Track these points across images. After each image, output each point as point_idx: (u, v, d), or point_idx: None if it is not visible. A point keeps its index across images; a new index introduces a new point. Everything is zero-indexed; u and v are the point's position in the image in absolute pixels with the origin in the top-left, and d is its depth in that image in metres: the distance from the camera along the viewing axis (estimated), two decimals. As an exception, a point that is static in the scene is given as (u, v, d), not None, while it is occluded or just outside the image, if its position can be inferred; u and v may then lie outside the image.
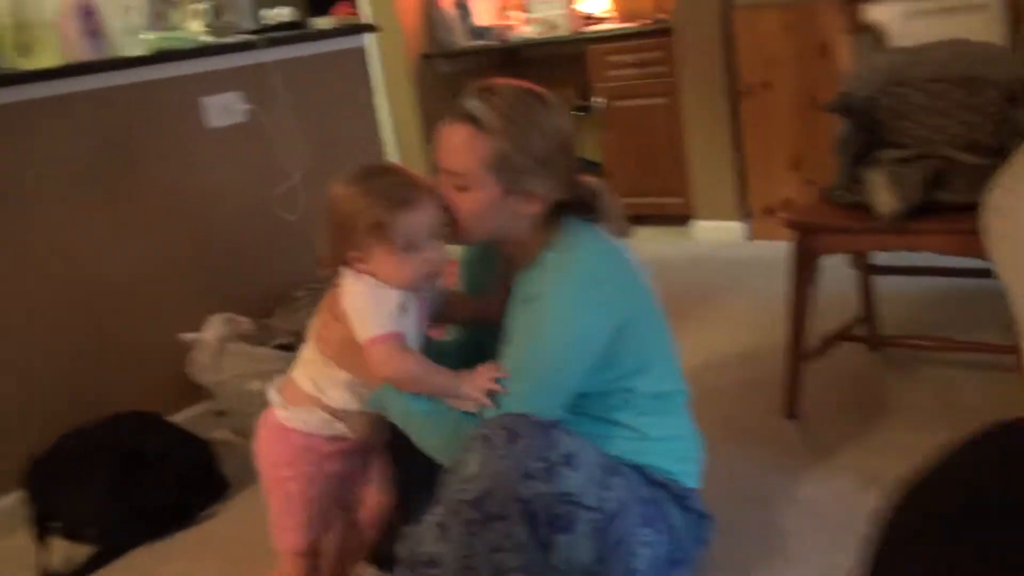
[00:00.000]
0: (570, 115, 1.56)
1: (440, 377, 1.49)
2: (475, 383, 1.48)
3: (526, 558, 1.36)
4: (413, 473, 1.62)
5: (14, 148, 2.29)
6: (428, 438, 1.50)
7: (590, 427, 1.52)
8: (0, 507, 2.30)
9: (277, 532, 1.61)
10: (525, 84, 1.51)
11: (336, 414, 1.55)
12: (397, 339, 1.46)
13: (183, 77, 2.60)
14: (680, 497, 1.59)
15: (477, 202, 1.47)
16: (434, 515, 1.41)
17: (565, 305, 1.47)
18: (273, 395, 1.59)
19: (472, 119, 1.45)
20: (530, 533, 1.35)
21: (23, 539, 2.22)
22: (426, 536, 1.41)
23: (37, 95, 2.30)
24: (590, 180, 1.58)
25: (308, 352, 1.58)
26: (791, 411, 2.30)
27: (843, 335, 2.42)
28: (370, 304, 1.47)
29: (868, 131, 2.11)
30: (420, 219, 1.45)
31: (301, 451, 1.56)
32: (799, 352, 2.25)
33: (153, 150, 2.58)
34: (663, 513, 1.54)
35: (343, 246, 1.47)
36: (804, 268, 2.18)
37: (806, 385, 2.29)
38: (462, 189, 1.47)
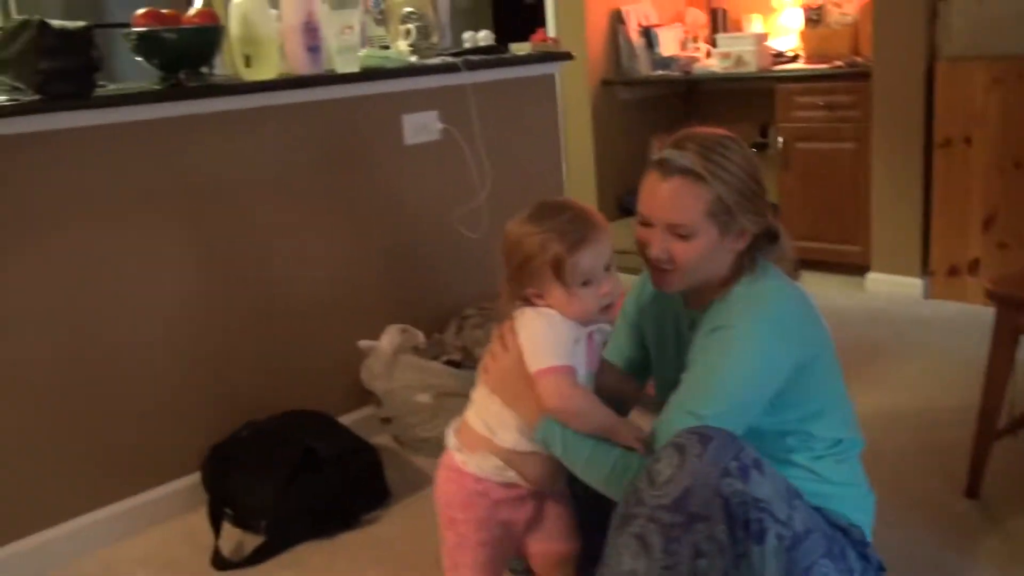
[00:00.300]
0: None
1: (604, 416, 1.52)
2: (632, 430, 1.50)
3: (726, 563, 1.35)
4: (593, 518, 1.62)
5: (229, 152, 2.42)
6: (590, 472, 1.52)
7: None
8: (181, 486, 2.43)
9: (448, 572, 1.64)
10: (710, 129, 1.58)
11: (508, 457, 1.57)
12: (569, 372, 1.50)
13: (388, 94, 2.70)
14: (859, 544, 1.55)
15: (698, 248, 1.53)
16: (629, 529, 1.38)
17: (755, 335, 1.50)
18: (450, 438, 1.64)
19: (686, 171, 1.51)
20: (730, 535, 1.34)
21: (194, 521, 2.35)
22: (623, 554, 1.38)
23: (258, 104, 2.43)
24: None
25: (477, 392, 1.63)
26: (973, 489, 2.19)
27: (1036, 416, 2.29)
28: (548, 336, 1.51)
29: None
30: (595, 255, 1.49)
31: (474, 495, 1.59)
32: (990, 430, 2.14)
33: (354, 162, 2.68)
34: (844, 553, 1.50)
35: (521, 282, 1.53)
36: (1004, 343, 2.07)
37: (991, 463, 2.18)
38: (683, 238, 1.52)
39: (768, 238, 1.59)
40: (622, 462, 1.48)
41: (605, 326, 1.59)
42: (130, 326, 2.30)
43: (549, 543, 1.66)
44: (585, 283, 1.49)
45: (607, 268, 1.52)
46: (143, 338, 2.32)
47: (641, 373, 1.81)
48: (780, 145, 4.06)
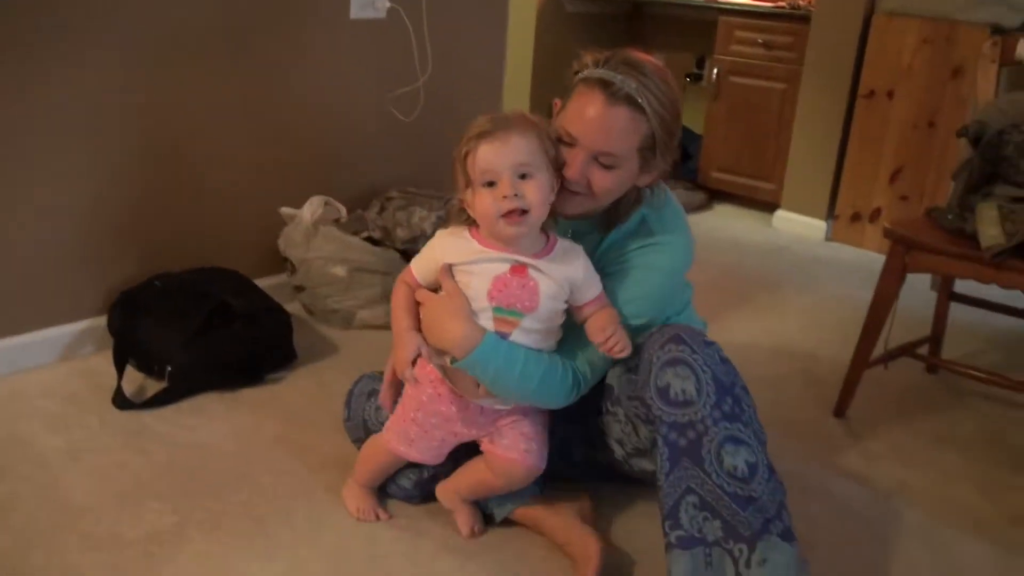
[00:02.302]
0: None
1: (397, 323, 1.62)
2: (407, 348, 1.58)
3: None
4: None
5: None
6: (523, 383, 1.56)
7: None
8: (88, 327, 2.43)
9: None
10: (646, 56, 1.56)
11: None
12: (405, 272, 1.65)
13: (340, -37, 2.67)
14: None
15: (617, 178, 1.55)
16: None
17: (678, 249, 1.65)
18: None
19: (632, 102, 1.49)
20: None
21: (97, 362, 2.37)
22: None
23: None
24: None
25: None
26: (841, 410, 2.37)
27: (907, 351, 2.45)
28: (425, 248, 1.62)
29: (991, 163, 2.12)
30: (497, 152, 1.44)
31: (424, 372, 1.63)
32: (865, 357, 2.30)
33: (296, 28, 2.65)
34: None
35: (457, 186, 1.54)
36: (892, 280, 2.22)
37: (860, 389, 2.36)
38: (606, 168, 1.53)
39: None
40: (551, 368, 1.57)
41: (554, 267, 1.53)
42: (56, 156, 2.25)
43: (499, 448, 1.66)
44: (489, 184, 1.46)
45: (523, 176, 1.45)
46: (65, 170, 2.28)
47: None
48: (714, 77, 4.14)
